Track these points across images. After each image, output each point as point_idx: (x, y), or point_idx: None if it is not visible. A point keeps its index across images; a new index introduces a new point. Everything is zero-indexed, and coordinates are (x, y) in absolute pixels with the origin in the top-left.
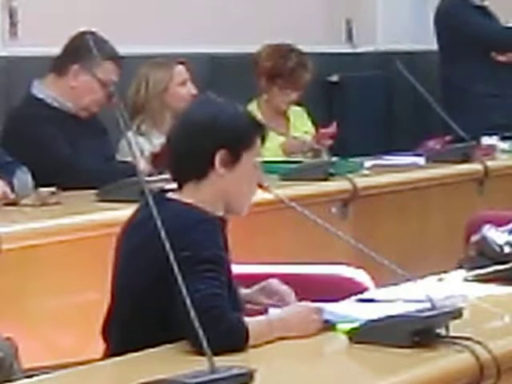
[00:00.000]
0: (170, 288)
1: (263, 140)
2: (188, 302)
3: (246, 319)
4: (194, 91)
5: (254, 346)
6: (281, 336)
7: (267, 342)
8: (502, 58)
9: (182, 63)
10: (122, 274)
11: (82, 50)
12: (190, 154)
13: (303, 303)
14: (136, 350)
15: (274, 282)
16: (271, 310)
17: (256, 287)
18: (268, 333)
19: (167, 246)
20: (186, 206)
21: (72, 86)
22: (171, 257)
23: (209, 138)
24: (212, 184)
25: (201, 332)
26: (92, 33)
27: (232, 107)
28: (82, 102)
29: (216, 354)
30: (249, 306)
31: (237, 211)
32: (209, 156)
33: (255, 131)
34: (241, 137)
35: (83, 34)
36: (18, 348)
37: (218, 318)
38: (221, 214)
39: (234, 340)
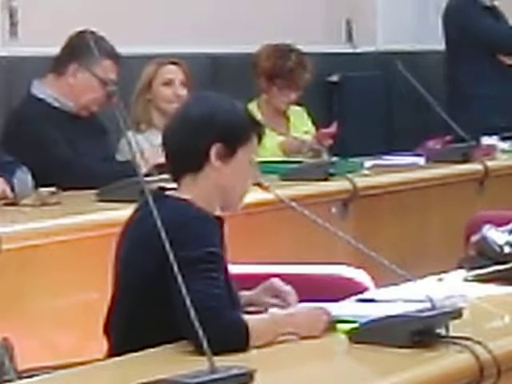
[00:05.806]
0: (168, 286)
1: (260, 138)
2: (186, 301)
3: (248, 317)
4: (180, 92)
5: (258, 346)
6: (287, 332)
7: (270, 343)
8: (510, 62)
9: (174, 63)
10: (123, 270)
11: (80, 48)
12: (186, 147)
13: (312, 304)
14: (137, 348)
15: (277, 281)
16: (271, 311)
17: (258, 288)
18: (272, 330)
19: (167, 245)
20: (182, 202)
21: (70, 84)
22: (170, 256)
23: (205, 132)
24: (208, 178)
25: (201, 332)
26: (90, 32)
27: (229, 103)
28: (82, 101)
29: (216, 353)
30: (251, 308)
31: (230, 207)
32: (204, 149)
33: (251, 128)
34: (237, 131)
35: (81, 32)
36: (13, 348)
37: (215, 318)
38: (217, 212)
39: (234, 339)
